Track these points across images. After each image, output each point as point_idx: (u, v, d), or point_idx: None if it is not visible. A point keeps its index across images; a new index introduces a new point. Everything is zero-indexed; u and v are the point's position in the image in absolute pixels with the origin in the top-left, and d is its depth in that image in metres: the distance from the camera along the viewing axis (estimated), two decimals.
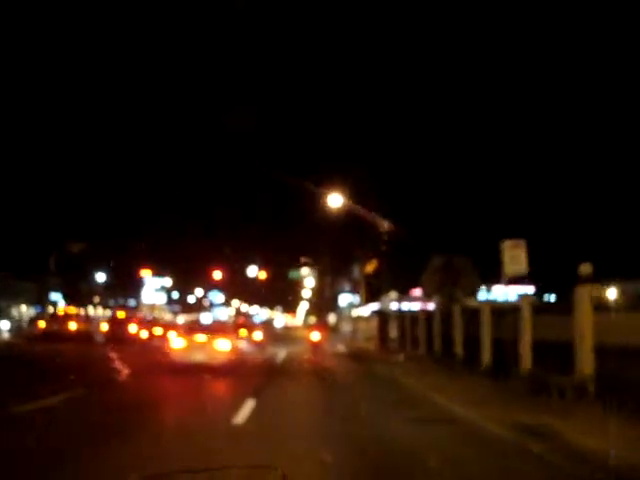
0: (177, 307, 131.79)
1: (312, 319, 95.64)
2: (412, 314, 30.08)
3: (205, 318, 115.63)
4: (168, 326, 34.70)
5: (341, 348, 38.53)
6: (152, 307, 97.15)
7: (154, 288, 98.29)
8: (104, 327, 31.93)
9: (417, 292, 61.06)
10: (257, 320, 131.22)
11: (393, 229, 35.13)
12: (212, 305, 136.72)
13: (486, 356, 18.52)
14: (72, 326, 31.82)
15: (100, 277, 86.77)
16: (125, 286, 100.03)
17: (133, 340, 29.93)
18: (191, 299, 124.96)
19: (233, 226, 77.15)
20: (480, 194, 35.35)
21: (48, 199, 61.45)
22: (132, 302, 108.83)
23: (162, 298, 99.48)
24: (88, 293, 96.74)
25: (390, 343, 32.90)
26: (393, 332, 33.04)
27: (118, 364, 21.15)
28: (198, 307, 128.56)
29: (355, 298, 61.24)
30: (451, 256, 31.72)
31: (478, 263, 33.97)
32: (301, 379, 18.61)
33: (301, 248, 54.48)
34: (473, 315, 20.54)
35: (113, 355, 24.65)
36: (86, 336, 32.03)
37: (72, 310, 36.50)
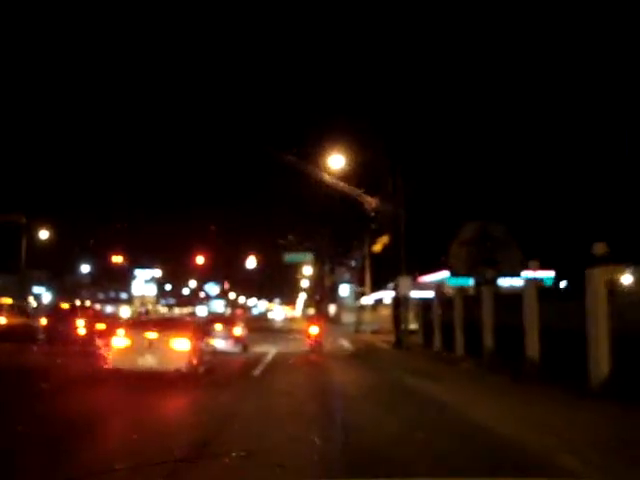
0: (171, 300, 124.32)
1: (311, 310, 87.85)
2: (443, 299, 22.07)
3: (201, 310, 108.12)
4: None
5: (345, 344, 30.53)
6: (142, 299, 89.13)
7: (144, 279, 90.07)
8: (43, 321, 23.87)
9: (429, 278, 53.00)
10: (255, 312, 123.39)
11: (380, 207, 27.42)
12: (208, 297, 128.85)
13: (602, 365, 10.53)
14: (1, 320, 23.89)
15: (85, 268, 78.73)
16: (114, 278, 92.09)
17: (76, 337, 22.00)
18: (186, 291, 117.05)
19: (224, 212, 69.28)
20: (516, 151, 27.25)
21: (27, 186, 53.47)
22: (124, 295, 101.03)
23: (152, 290, 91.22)
24: (74, 286, 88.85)
25: (409, 338, 24.90)
26: (413, 324, 25.04)
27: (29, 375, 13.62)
28: (193, 299, 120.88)
29: (354, 287, 53.35)
30: (486, 224, 23.77)
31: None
32: (285, 410, 10.49)
33: (298, 233, 46.31)
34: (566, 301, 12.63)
35: (34, 359, 16.96)
36: (23, 332, 24.06)
37: (7, 300, 28.45)
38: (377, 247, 32.51)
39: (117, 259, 41.25)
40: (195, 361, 15.61)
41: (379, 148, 25.20)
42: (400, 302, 25.43)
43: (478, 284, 23.22)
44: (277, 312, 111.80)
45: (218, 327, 21.52)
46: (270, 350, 24.34)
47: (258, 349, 25.12)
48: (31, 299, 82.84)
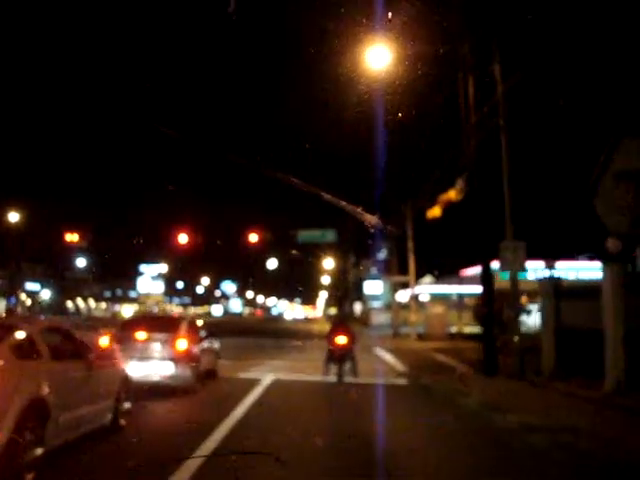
0: (186, 299, 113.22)
1: (332, 310, 76.00)
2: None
3: (217, 310, 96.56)
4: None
5: (388, 359, 18.83)
6: (147, 297, 77.93)
7: (150, 276, 78.76)
8: None
9: (474, 270, 40.68)
10: (275, 312, 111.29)
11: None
12: (225, 296, 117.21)
13: None
14: None
15: (81, 262, 67.59)
16: (118, 274, 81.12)
17: None
18: (199, 290, 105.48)
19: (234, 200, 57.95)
20: None
21: None
22: (133, 293, 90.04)
23: (160, 287, 79.91)
24: (75, 283, 78.16)
25: (510, 356, 13.00)
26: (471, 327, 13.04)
27: None
28: (209, 298, 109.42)
29: (388, 279, 41.87)
30: None
31: None
32: None
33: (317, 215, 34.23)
34: None
35: None
36: None
37: None
38: (434, 211, 20.69)
39: (72, 237, 30.21)
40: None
41: (458, 12, 13.51)
42: (492, 289, 13.63)
43: None
44: (293, 312, 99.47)
45: (140, 337, 9.96)
46: (264, 376, 12.75)
47: (245, 373, 13.49)
48: (23, 296, 72.23)
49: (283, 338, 29.03)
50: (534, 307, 33.54)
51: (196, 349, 10.38)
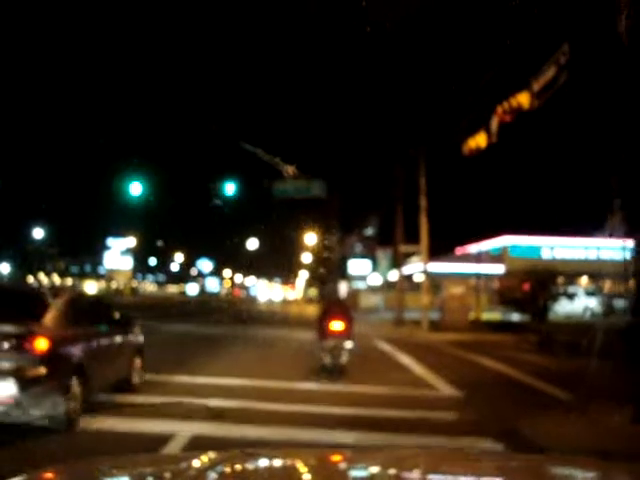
0: (161, 276, 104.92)
1: (313, 291, 68.24)
2: None
3: (192, 289, 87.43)
4: None
5: (417, 370, 11.08)
6: (114, 273, 69.35)
7: (120, 251, 70.06)
8: None
9: (478, 247, 32.77)
10: (253, 293, 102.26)
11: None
12: (201, 274, 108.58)
13: None
14: None
15: (38, 233, 58.84)
16: (84, 248, 72.53)
17: None
18: (174, 267, 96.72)
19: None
20: None
21: None
22: (103, 269, 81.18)
23: (128, 263, 71.26)
24: (38, 256, 69.37)
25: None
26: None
27: None
28: (185, 276, 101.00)
29: (385, 253, 34.56)
30: None
31: None
32: None
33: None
34: None
35: None
36: None
37: None
38: (478, 140, 13.07)
39: None
40: None
41: None
42: None
43: None
44: (270, 292, 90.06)
45: None
46: (178, 429, 5.09)
47: (147, 421, 5.68)
48: None
49: (250, 325, 21.24)
50: (579, 290, 26.39)
51: (77, 350, 2.98)
